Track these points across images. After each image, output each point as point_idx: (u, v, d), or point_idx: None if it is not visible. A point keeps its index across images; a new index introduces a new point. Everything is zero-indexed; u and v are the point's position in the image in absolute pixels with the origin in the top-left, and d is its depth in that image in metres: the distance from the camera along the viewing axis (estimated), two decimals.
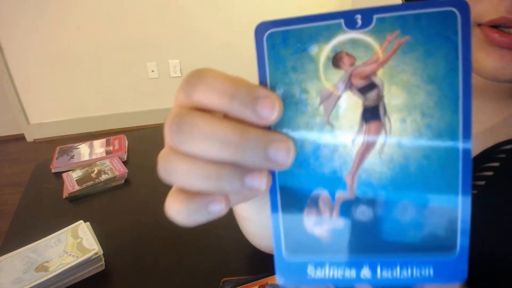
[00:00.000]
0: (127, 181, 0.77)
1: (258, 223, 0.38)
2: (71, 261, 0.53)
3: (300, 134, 0.19)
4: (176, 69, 2.59)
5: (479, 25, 0.33)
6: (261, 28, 0.19)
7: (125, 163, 0.82)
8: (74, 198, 0.73)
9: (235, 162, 0.19)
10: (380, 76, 0.18)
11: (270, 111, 0.18)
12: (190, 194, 0.20)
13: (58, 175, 0.80)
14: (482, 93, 0.40)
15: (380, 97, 0.18)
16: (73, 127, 2.60)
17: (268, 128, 0.19)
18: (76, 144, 0.90)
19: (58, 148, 0.88)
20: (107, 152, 0.86)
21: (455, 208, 0.19)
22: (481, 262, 0.41)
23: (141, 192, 0.75)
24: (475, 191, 0.39)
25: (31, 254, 0.56)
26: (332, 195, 0.20)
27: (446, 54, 0.18)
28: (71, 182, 0.75)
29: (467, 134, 0.18)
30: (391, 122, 0.19)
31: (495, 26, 0.32)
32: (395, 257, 0.20)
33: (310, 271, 0.20)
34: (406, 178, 0.19)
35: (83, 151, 0.87)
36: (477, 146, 0.40)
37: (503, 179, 0.39)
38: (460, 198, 0.19)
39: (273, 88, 0.19)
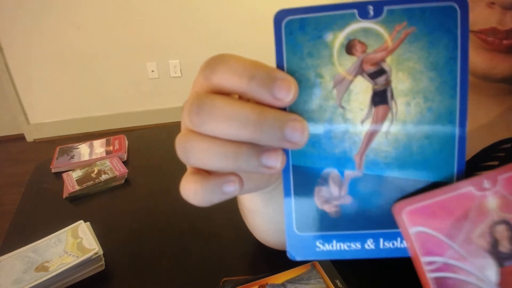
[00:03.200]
0: (127, 181, 0.77)
1: (265, 216, 0.38)
2: (71, 261, 0.53)
3: (313, 115, 0.21)
4: (176, 69, 2.58)
5: (470, 32, 0.34)
6: (280, 15, 0.20)
7: (125, 163, 0.82)
8: (74, 198, 0.73)
9: (253, 141, 0.20)
10: (389, 63, 0.20)
11: (286, 93, 0.19)
12: (205, 175, 0.21)
13: (58, 175, 0.80)
14: (478, 90, 0.41)
15: (388, 82, 0.20)
16: (73, 127, 2.59)
17: (284, 109, 0.21)
18: (76, 144, 0.90)
19: (58, 148, 0.88)
20: (107, 152, 0.86)
21: (452, 179, 0.21)
22: None
23: (141, 192, 0.75)
24: None
25: (31, 254, 0.56)
26: (342, 173, 0.21)
27: (446, 44, 0.19)
28: (71, 182, 0.75)
29: (463, 117, 0.20)
30: (397, 105, 0.20)
31: (488, 35, 0.33)
32: (396, 230, 0.21)
33: (319, 245, 0.22)
34: (409, 156, 0.21)
35: (83, 151, 0.87)
36: (475, 142, 0.41)
37: None
38: (455, 174, 0.21)
39: (289, 72, 0.20)
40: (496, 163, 0.40)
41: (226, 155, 0.20)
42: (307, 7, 0.20)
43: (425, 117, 0.20)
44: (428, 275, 0.20)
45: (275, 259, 0.52)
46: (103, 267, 0.56)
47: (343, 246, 0.22)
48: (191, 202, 0.22)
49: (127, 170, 0.77)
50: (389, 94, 0.20)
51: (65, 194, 0.73)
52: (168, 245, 0.60)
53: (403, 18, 0.19)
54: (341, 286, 0.46)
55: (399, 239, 0.21)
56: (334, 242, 0.22)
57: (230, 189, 0.21)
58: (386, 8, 0.19)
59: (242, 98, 0.23)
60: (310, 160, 0.21)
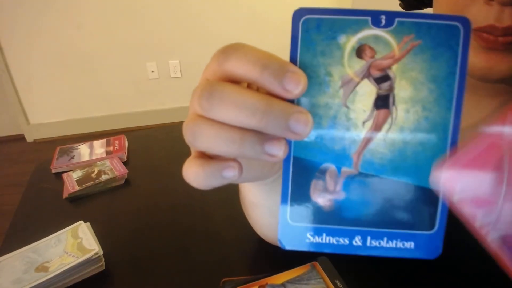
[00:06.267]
0: (127, 182, 0.77)
1: (266, 209, 0.39)
2: (71, 261, 0.53)
3: (319, 111, 0.22)
4: (176, 69, 2.59)
5: None
6: (299, 13, 0.21)
7: (125, 163, 0.82)
8: (74, 199, 0.73)
9: (258, 129, 0.21)
10: (394, 70, 0.21)
11: (295, 85, 0.20)
12: (207, 159, 0.22)
13: (58, 175, 0.80)
14: (475, 90, 0.41)
15: (391, 88, 0.21)
16: (73, 127, 2.59)
17: (292, 102, 0.22)
18: (76, 145, 0.90)
19: (58, 149, 0.88)
20: (107, 153, 0.86)
21: (438, 191, 0.22)
22: (481, 257, 0.41)
23: (141, 193, 0.75)
24: None
25: (31, 254, 0.56)
26: (339, 169, 0.23)
27: (448, 60, 0.21)
28: (71, 183, 0.75)
29: (456, 129, 0.21)
30: (398, 111, 0.22)
31: (485, 32, 0.33)
32: (384, 230, 0.23)
33: (309, 236, 0.23)
34: (403, 160, 0.22)
35: (83, 151, 0.87)
36: (468, 139, 0.41)
37: None
38: None
39: (301, 67, 0.21)
40: None
41: (232, 140, 0.21)
42: (325, 8, 0.21)
43: (421, 125, 0.21)
44: (488, 237, 0.20)
45: (275, 260, 0.52)
46: (103, 268, 0.56)
47: (332, 240, 0.23)
48: (192, 184, 0.23)
49: (127, 171, 0.77)
50: (391, 100, 0.21)
51: (65, 195, 0.73)
52: (168, 245, 0.60)
53: (412, 30, 0.21)
54: (341, 286, 0.46)
55: (385, 239, 0.23)
56: (324, 235, 0.23)
57: (229, 174, 0.22)
58: (397, 19, 0.21)
59: (250, 87, 0.24)
60: (310, 153, 0.22)
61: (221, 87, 0.21)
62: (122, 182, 0.77)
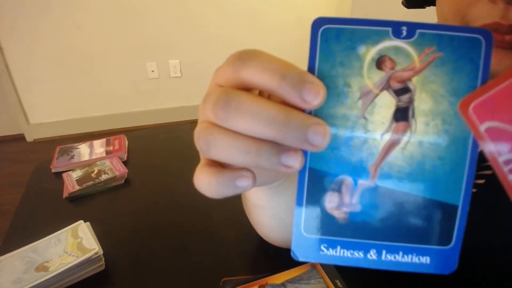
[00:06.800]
0: (127, 181, 0.77)
1: (269, 211, 0.39)
2: (71, 261, 0.53)
3: (336, 122, 0.22)
4: (176, 69, 2.58)
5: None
6: (318, 23, 0.21)
7: (125, 163, 0.82)
8: (74, 198, 0.73)
9: (275, 140, 0.20)
10: (414, 83, 0.21)
11: (314, 96, 0.20)
12: (219, 168, 0.22)
13: (58, 175, 0.80)
14: None
15: (411, 101, 0.21)
16: (73, 127, 2.59)
17: (309, 113, 0.21)
18: (76, 144, 0.90)
19: (58, 148, 0.88)
20: (107, 152, 0.86)
21: (456, 206, 0.22)
22: (481, 257, 0.41)
23: (141, 192, 0.75)
24: (475, 190, 0.39)
25: (31, 254, 0.56)
26: (355, 181, 0.22)
27: (469, 73, 0.21)
28: (71, 182, 0.75)
29: (475, 143, 0.21)
30: (417, 124, 0.21)
31: (491, 30, 0.33)
32: (399, 244, 0.22)
33: (323, 248, 0.23)
34: (421, 174, 0.22)
35: (83, 151, 0.87)
36: None
37: None
38: (462, 197, 0.21)
39: (319, 77, 0.21)
40: None
41: (248, 151, 0.20)
42: (345, 18, 0.21)
43: (441, 138, 0.21)
44: (510, 176, 0.20)
45: (275, 259, 0.52)
46: (103, 267, 0.56)
47: (347, 253, 0.23)
48: (204, 193, 0.22)
49: (127, 170, 0.77)
50: (410, 112, 0.21)
51: (65, 194, 0.73)
52: (168, 245, 0.60)
53: (433, 42, 0.20)
54: (341, 286, 0.46)
55: (401, 253, 0.22)
56: (339, 248, 0.23)
57: (243, 184, 0.22)
58: (418, 31, 0.20)
59: (261, 94, 0.23)
60: (327, 165, 0.22)
61: (238, 97, 0.20)
62: (122, 181, 0.77)
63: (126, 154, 0.86)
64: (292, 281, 0.48)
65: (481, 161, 0.43)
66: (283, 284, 0.47)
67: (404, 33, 0.20)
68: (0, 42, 2.29)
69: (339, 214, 0.22)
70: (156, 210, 0.69)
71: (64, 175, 0.78)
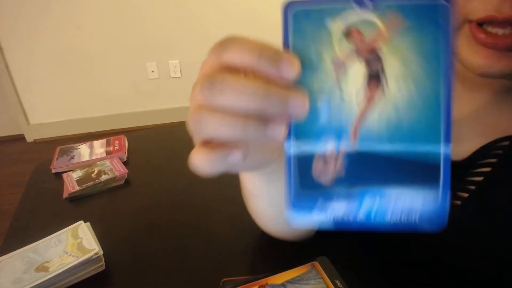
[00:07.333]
0: (127, 182, 0.77)
1: (265, 198, 0.41)
2: (71, 261, 0.53)
3: (314, 94, 0.23)
4: (176, 69, 2.59)
5: (470, 21, 0.35)
6: (289, 6, 0.23)
7: (125, 163, 0.82)
8: (74, 198, 0.73)
9: (260, 112, 0.22)
10: (383, 51, 0.22)
11: (290, 69, 0.22)
12: (212, 147, 0.24)
13: (58, 175, 0.80)
14: (475, 86, 0.41)
15: (382, 68, 0.22)
16: (73, 127, 2.59)
17: None
18: (76, 145, 0.90)
19: (58, 149, 0.88)
20: (107, 153, 0.86)
21: (438, 158, 0.23)
22: (481, 256, 0.41)
23: (141, 193, 0.75)
24: (474, 187, 0.39)
25: (31, 254, 0.56)
26: (337, 147, 0.24)
27: (434, 37, 0.22)
28: (71, 183, 0.75)
29: (448, 101, 0.22)
30: (390, 88, 0.23)
31: (485, 23, 0.34)
32: (388, 203, 0.23)
33: (315, 213, 0.24)
34: (399, 135, 0.23)
35: (83, 151, 0.87)
36: (463, 128, 0.42)
37: (502, 174, 0.40)
38: (442, 148, 0.23)
39: (294, 54, 0.23)
40: (494, 160, 0.40)
41: (235, 126, 0.22)
42: None
43: (413, 98, 0.22)
44: None
45: (275, 259, 0.52)
46: (103, 267, 0.56)
47: (337, 215, 0.24)
48: (198, 171, 0.24)
49: (127, 171, 0.77)
50: (382, 78, 0.22)
51: (65, 195, 0.73)
52: (168, 245, 0.60)
53: (397, 11, 0.22)
54: (341, 286, 0.46)
55: (390, 211, 0.23)
56: (329, 211, 0.24)
57: (234, 158, 0.24)
58: (382, 2, 0.22)
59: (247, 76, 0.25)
60: (309, 135, 0.24)
61: (221, 76, 0.22)
62: (122, 182, 0.77)
63: (126, 155, 0.86)
64: (292, 281, 0.48)
65: (479, 158, 0.43)
66: (283, 284, 0.47)
67: (368, 4, 0.22)
68: (0, 42, 2.29)
69: (325, 180, 0.24)
70: (156, 210, 0.69)
71: (64, 175, 0.78)
